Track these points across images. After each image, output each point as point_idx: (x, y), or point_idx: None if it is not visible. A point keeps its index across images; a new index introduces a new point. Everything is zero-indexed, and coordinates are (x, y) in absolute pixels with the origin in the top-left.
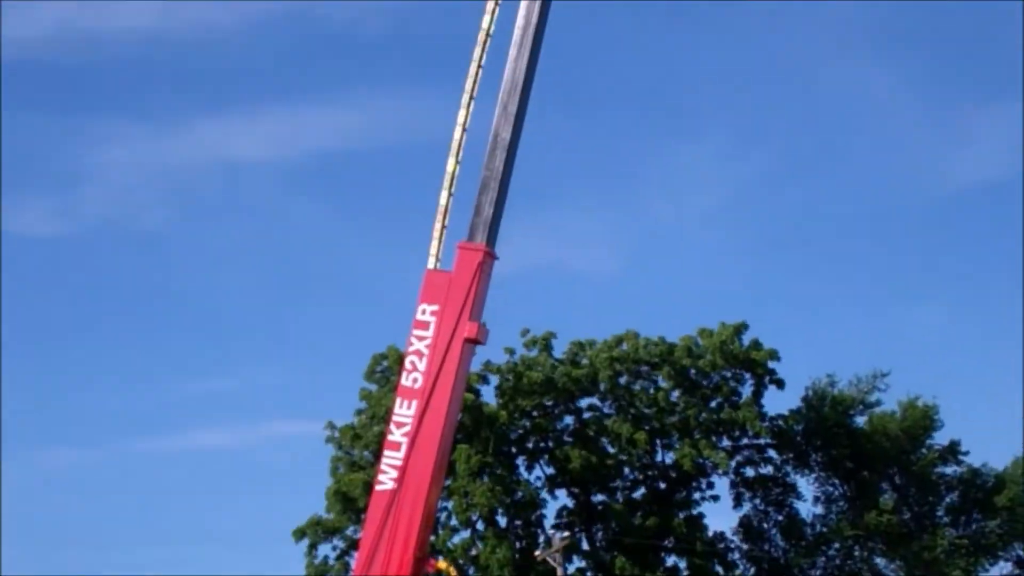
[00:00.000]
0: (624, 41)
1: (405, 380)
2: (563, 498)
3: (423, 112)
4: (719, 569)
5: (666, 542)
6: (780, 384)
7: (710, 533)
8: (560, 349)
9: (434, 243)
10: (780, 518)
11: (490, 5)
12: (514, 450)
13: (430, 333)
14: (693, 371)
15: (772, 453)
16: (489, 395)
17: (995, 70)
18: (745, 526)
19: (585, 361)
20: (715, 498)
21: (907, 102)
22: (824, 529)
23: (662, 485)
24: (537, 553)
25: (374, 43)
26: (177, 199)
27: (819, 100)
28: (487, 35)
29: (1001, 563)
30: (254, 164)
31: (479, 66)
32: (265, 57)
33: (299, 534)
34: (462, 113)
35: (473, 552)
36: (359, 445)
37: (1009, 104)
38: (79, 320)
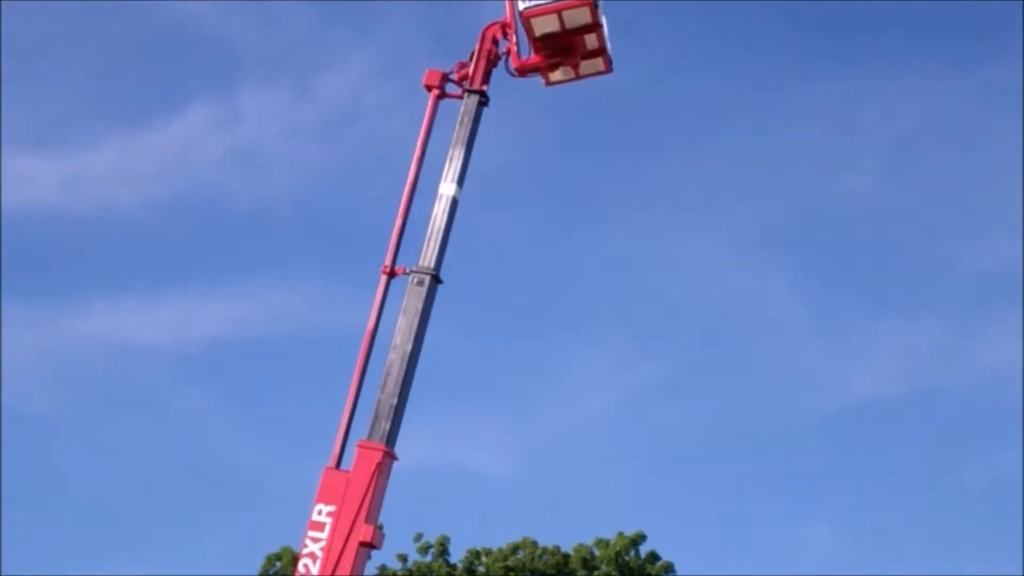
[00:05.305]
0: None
1: None
2: None
3: (323, 305)
4: None
5: None
6: None
7: None
8: (456, 554)
9: (338, 442)
10: None
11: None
12: None
13: (325, 535)
14: None
15: None
16: None
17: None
18: None
19: (481, 570)
20: None
21: (800, 314)
22: None
23: None
24: None
25: (281, 229)
26: (68, 383)
27: (718, 308)
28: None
29: None
30: (148, 350)
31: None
32: (166, 240)
33: None
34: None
35: None
36: None
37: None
38: None
